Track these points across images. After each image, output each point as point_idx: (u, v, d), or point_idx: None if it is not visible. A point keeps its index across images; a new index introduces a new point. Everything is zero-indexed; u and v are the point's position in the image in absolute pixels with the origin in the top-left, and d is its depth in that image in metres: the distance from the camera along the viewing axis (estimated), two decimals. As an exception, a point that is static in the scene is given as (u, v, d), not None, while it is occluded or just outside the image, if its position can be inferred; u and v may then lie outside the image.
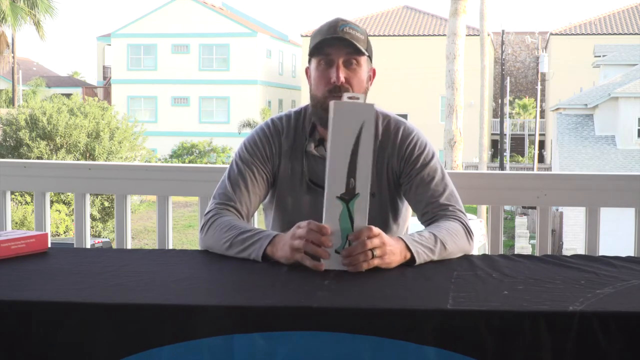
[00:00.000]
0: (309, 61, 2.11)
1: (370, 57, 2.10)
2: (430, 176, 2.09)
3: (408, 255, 1.82)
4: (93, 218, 19.87)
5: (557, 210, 21.25)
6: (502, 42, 31.52)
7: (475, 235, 2.05)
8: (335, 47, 2.03)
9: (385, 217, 2.15)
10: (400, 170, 2.13)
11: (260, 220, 2.71)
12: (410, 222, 2.34)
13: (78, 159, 20.37)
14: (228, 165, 2.21)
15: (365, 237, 1.74)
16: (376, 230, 1.77)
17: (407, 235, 1.88)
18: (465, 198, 2.69)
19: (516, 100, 48.17)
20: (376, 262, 1.75)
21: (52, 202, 18.53)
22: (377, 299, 1.56)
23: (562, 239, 21.51)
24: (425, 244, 1.87)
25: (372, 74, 2.13)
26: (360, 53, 2.04)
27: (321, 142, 2.13)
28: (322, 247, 1.74)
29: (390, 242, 1.79)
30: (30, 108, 22.20)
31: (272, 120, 2.20)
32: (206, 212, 2.07)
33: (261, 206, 2.30)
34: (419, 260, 1.83)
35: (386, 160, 2.13)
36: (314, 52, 2.06)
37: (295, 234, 1.77)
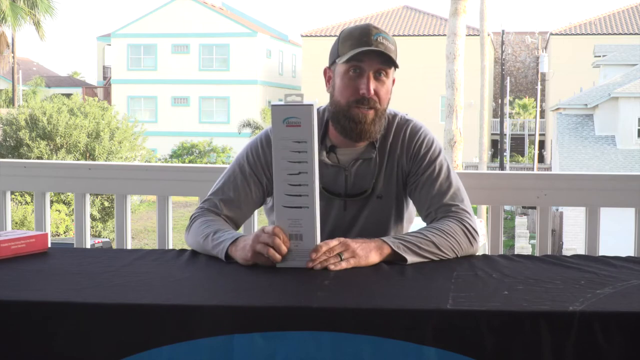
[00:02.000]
0: (333, 63, 2.06)
1: (396, 67, 2.07)
2: (436, 174, 2.07)
3: (386, 250, 1.82)
4: (93, 218, 19.87)
5: (557, 210, 21.25)
6: (502, 42, 31.51)
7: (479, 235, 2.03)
8: (369, 57, 2.00)
9: (387, 218, 2.14)
10: (409, 169, 2.11)
11: (262, 221, 2.71)
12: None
13: (78, 159, 20.37)
14: (228, 166, 2.21)
15: (328, 247, 1.77)
16: (333, 241, 1.78)
17: (388, 237, 1.88)
18: (465, 198, 2.69)
19: (516, 100, 48.16)
20: (344, 264, 1.76)
21: (52, 202, 18.53)
22: (377, 299, 1.56)
23: (562, 239, 21.50)
24: (408, 240, 1.86)
25: (393, 82, 2.11)
26: (392, 65, 2.03)
27: (332, 149, 2.11)
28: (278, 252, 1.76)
29: (357, 242, 1.80)
30: (30, 108, 22.20)
31: None
32: (191, 214, 2.09)
33: (263, 210, 2.30)
34: (402, 252, 1.82)
35: (396, 160, 2.12)
36: (347, 59, 2.00)
37: (260, 238, 1.78)
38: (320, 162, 2.08)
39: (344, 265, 1.76)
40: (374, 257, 1.81)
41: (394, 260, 1.83)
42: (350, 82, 2.02)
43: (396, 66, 2.05)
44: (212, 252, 1.91)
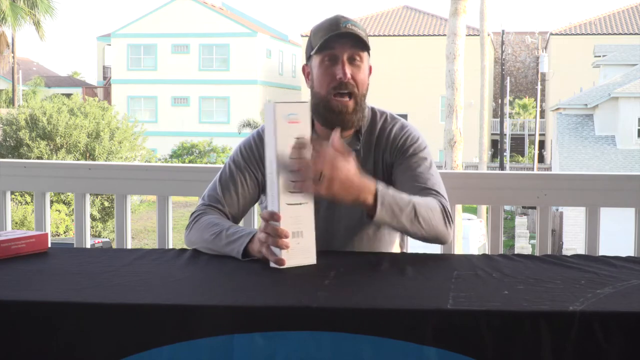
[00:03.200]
0: (309, 59, 2.10)
1: (369, 53, 2.10)
2: (418, 164, 2.09)
3: (369, 198, 1.81)
4: (93, 218, 19.87)
5: (557, 210, 21.24)
6: (502, 42, 31.51)
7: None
8: (340, 43, 2.02)
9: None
10: (392, 162, 2.13)
11: (259, 221, 2.71)
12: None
13: (78, 159, 20.37)
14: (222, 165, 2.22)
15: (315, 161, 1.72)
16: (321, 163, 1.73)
17: (382, 185, 1.86)
18: (465, 198, 2.69)
19: (516, 100, 48.16)
20: (324, 189, 1.73)
21: (52, 202, 18.53)
22: (377, 299, 1.56)
23: (562, 239, 21.50)
24: (397, 197, 1.85)
25: (369, 70, 2.13)
26: (365, 48, 2.04)
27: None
28: (280, 241, 1.75)
29: (350, 173, 1.76)
30: (30, 108, 22.20)
31: None
32: (192, 212, 2.09)
33: (259, 208, 2.31)
34: (380, 209, 1.82)
35: (381, 156, 2.14)
36: (318, 48, 2.04)
37: (260, 227, 1.80)
38: None
39: (323, 189, 1.73)
40: (349, 197, 1.79)
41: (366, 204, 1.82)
42: (327, 70, 2.04)
43: (369, 51, 2.07)
44: (225, 249, 1.90)
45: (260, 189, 2.16)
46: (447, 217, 1.98)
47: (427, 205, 1.93)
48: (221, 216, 2.06)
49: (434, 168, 2.12)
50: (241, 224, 2.58)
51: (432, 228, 1.93)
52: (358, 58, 2.04)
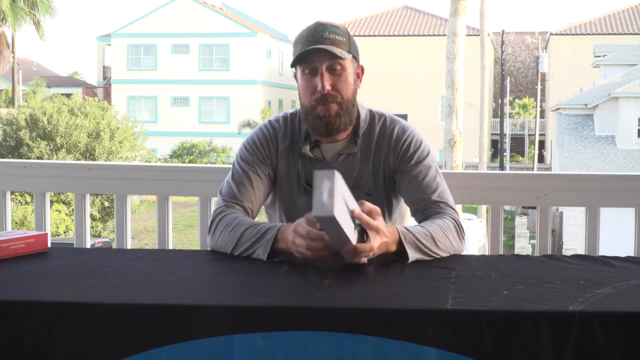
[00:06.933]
0: (295, 69, 2.11)
1: (355, 56, 2.08)
2: (424, 173, 2.09)
3: (394, 247, 1.81)
4: (93, 218, 19.88)
5: (557, 210, 21.24)
6: (502, 42, 31.51)
7: (467, 234, 2.04)
8: (317, 55, 2.01)
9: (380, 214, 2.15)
10: (395, 167, 2.13)
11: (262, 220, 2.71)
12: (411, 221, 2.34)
13: (78, 159, 20.37)
14: (230, 166, 2.22)
15: (373, 244, 1.73)
16: (376, 243, 1.74)
17: (403, 229, 1.85)
18: (465, 198, 2.69)
19: (516, 100, 48.16)
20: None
21: (52, 202, 18.53)
22: (377, 299, 1.56)
23: (562, 239, 21.50)
24: (417, 234, 1.85)
25: (360, 71, 2.13)
26: (342, 57, 2.03)
27: (316, 144, 2.13)
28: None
29: (386, 240, 1.78)
30: (30, 108, 22.21)
31: (269, 121, 2.22)
32: (214, 210, 2.08)
33: (263, 207, 2.31)
34: (411, 252, 1.82)
35: (382, 159, 2.14)
36: (296, 61, 2.04)
37: (296, 242, 1.77)
38: (304, 156, 2.12)
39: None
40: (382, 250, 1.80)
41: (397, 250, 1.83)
42: (308, 83, 2.05)
43: (350, 56, 2.05)
44: (249, 251, 1.89)
45: (272, 181, 2.16)
46: (460, 230, 1.99)
47: (442, 229, 1.93)
48: (241, 213, 2.05)
49: (439, 174, 2.12)
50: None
51: (452, 248, 1.94)
52: (338, 67, 2.03)
